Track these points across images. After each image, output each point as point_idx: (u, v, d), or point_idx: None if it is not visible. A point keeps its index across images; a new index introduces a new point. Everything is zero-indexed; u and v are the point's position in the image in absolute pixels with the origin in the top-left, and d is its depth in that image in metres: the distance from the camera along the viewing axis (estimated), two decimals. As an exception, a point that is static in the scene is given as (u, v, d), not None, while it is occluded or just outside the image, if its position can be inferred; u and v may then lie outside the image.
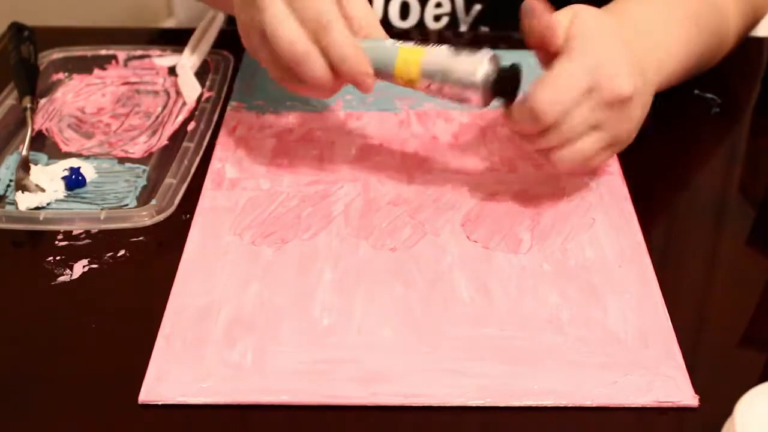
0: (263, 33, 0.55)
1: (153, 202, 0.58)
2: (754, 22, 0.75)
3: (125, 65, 0.75)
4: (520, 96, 0.54)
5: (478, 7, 0.80)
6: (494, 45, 0.76)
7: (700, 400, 0.45)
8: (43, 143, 0.66)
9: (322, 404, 0.45)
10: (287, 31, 0.54)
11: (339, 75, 0.54)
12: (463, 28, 0.82)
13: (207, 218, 0.58)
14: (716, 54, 0.70)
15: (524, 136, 0.55)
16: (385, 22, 0.81)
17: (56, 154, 0.65)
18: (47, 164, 0.63)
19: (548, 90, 0.52)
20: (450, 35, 0.80)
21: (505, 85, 0.53)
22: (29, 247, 0.57)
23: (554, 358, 0.47)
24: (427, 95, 0.55)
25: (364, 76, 0.54)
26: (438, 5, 0.81)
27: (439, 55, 0.53)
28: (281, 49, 0.54)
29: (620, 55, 0.54)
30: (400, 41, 0.55)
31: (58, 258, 0.55)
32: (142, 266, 0.55)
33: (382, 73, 0.55)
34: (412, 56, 0.54)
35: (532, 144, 0.55)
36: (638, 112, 0.56)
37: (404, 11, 0.81)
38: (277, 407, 0.45)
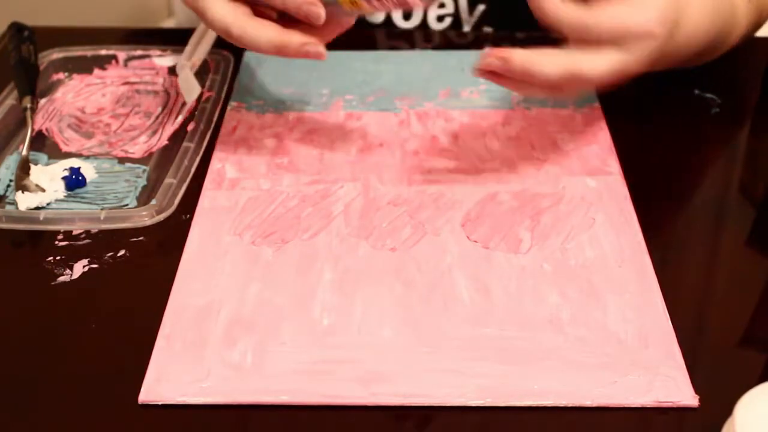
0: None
1: (153, 202, 0.58)
2: (759, 23, 0.74)
3: (125, 65, 0.75)
4: None
5: (481, 7, 0.80)
6: (497, 45, 0.76)
7: (700, 400, 0.45)
8: (43, 143, 0.66)
9: (322, 404, 0.45)
10: (218, 17, 0.56)
11: (287, 10, 0.55)
12: (466, 28, 0.82)
13: (207, 218, 0.58)
14: (716, 51, 0.70)
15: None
16: (389, 22, 0.81)
17: (56, 154, 0.65)
18: (47, 164, 0.63)
19: None
20: (453, 35, 0.80)
21: None
22: (29, 247, 0.57)
23: (554, 358, 0.47)
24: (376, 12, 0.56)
25: (309, 5, 0.55)
26: (441, 6, 0.81)
27: None
28: (227, 37, 0.55)
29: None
30: None
31: (58, 258, 0.55)
32: (142, 266, 0.55)
33: (328, 3, 0.56)
34: None
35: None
36: (651, 52, 0.56)
37: (407, 12, 0.81)
38: (277, 407, 0.45)
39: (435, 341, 0.49)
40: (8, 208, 0.59)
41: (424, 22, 0.81)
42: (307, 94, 0.71)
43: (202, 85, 0.71)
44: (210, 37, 0.76)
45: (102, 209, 0.58)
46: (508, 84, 0.56)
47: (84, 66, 0.75)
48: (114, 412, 0.45)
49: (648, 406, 0.45)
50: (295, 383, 0.46)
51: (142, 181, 0.62)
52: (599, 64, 0.55)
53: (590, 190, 0.60)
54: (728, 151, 0.68)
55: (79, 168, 0.61)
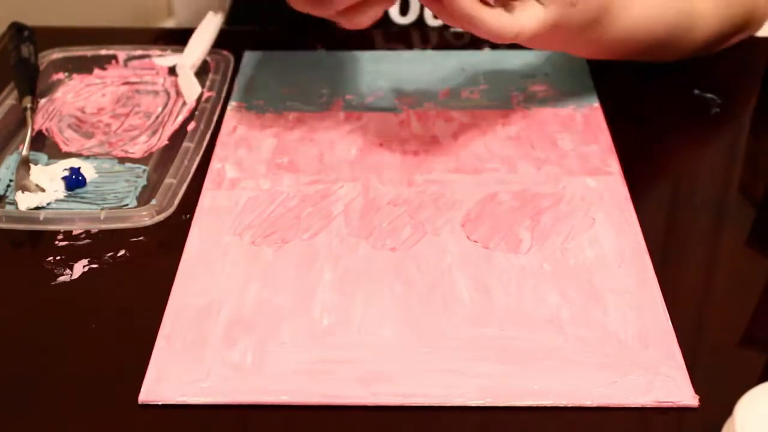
0: None
1: (153, 202, 0.58)
2: (749, 22, 0.74)
3: (125, 65, 0.75)
4: None
5: None
6: (493, 44, 0.76)
7: (700, 400, 0.45)
8: (43, 143, 0.66)
9: (322, 404, 0.45)
10: None
11: None
12: None
13: (207, 218, 0.58)
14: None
15: None
16: (386, 18, 0.81)
17: (56, 154, 0.65)
18: (47, 164, 0.63)
19: None
20: (451, 36, 0.80)
21: None
22: (29, 247, 0.57)
23: (554, 358, 0.47)
24: None
25: None
26: None
27: None
28: None
29: None
30: None
31: (58, 258, 0.55)
32: (142, 266, 0.55)
33: None
34: None
35: None
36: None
37: (404, 7, 0.81)
38: (277, 407, 0.45)
39: (435, 341, 0.49)
40: (8, 208, 0.59)
41: (420, 19, 0.81)
42: (307, 94, 0.71)
43: (202, 85, 0.71)
44: (210, 37, 0.76)
45: (102, 209, 0.58)
46: (440, 15, 0.55)
47: (84, 66, 0.75)
48: (114, 412, 0.45)
49: (648, 406, 0.45)
50: (295, 383, 0.46)
51: (142, 181, 0.62)
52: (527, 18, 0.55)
53: (590, 190, 0.60)
54: (728, 151, 0.68)
55: (79, 168, 0.61)
